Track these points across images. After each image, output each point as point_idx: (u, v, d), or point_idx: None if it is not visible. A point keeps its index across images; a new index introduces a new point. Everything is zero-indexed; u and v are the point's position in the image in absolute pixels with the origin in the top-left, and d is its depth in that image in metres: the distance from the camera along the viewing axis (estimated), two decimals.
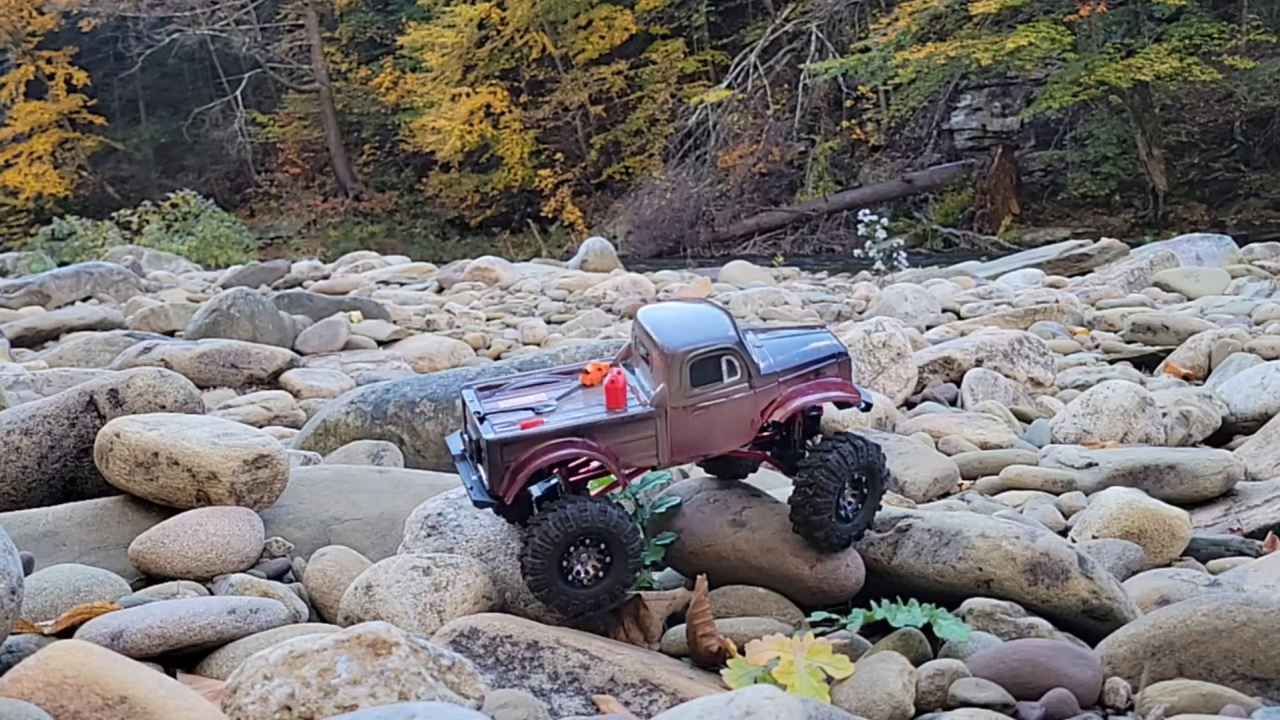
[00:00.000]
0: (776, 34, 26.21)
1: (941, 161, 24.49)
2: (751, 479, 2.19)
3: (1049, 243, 16.41)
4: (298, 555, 2.32)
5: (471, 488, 1.88)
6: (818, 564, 1.96)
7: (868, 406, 2.00)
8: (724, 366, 1.86)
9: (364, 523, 2.45)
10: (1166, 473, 3.08)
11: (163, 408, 2.68)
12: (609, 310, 9.17)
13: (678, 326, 1.88)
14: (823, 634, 1.84)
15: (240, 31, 33.23)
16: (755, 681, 1.68)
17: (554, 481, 1.87)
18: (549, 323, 8.65)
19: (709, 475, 2.19)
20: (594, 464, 1.88)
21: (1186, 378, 5.02)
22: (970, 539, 1.94)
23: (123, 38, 32.88)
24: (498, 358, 6.86)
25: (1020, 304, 7.66)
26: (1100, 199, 22.53)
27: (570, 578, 1.82)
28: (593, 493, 1.91)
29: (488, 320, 8.64)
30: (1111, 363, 5.60)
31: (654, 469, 1.91)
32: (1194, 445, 3.82)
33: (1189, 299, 8.29)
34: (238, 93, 32.48)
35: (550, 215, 28.88)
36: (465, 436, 1.97)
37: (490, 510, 1.99)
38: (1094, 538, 2.54)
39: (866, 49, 23.03)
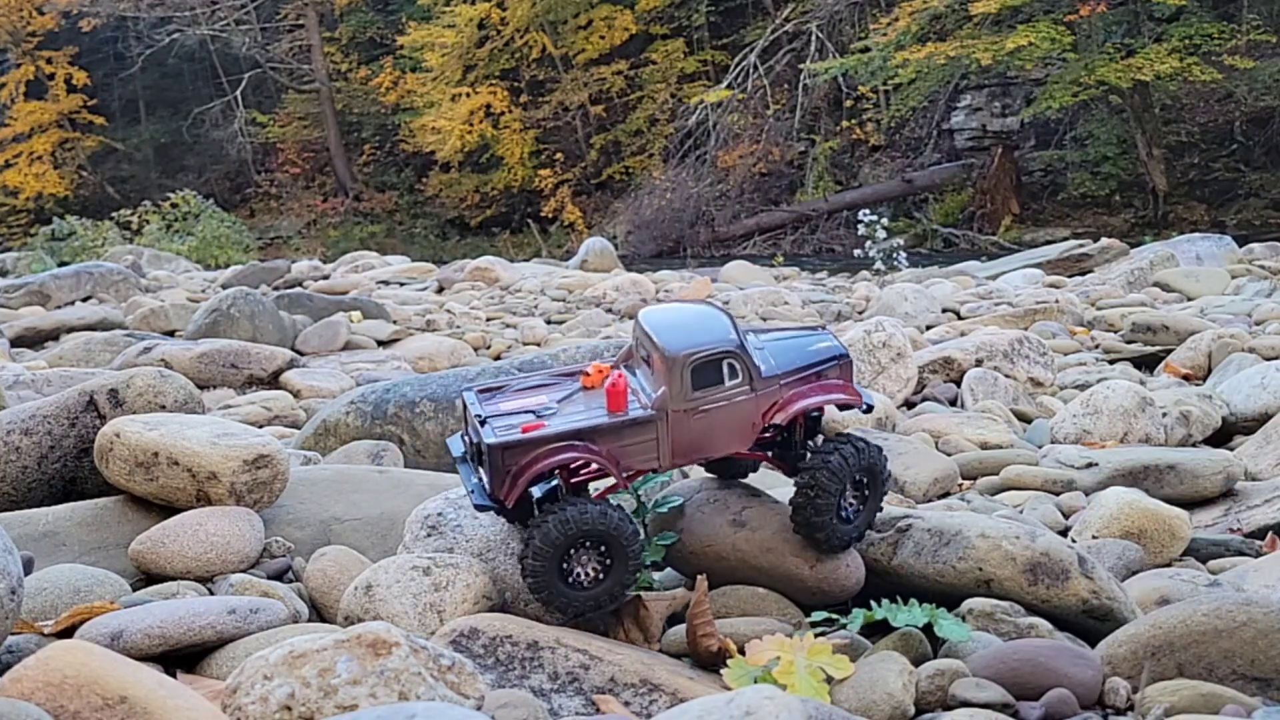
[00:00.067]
0: (776, 34, 26.22)
1: (941, 161, 24.49)
2: (752, 479, 2.19)
3: (1049, 243, 16.42)
4: (298, 555, 2.32)
5: (472, 491, 1.88)
6: (818, 564, 1.96)
7: (869, 408, 2.00)
8: (725, 369, 1.86)
9: (364, 523, 2.45)
10: (1166, 473, 3.08)
11: (163, 408, 2.68)
12: (609, 310, 9.17)
13: (679, 329, 1.88)
14: (823, 634, 1.84)
15: (240, 31, 33.24)
16: (755, 681, 1.68)
17: (555, 483, 1.87)
18: (549, 323, 8.65)
19: (709, 475, 2.19)
20: (595, 466, 1.88)
21: (1186, 378, 5.02)
22: (970, 539, 1.94)
23: (123, 38, 32.89)
24: (498, 358, 6.86)
25: (1020, 304, 7.67)
26: (1100, 199, 22.53)
27: (570, 580, 1.82)
28: (593, 495, 1.91)
29: (488, 320, 8.64)
30: (1111, 363, 5.60)
31: (655, 471, 1.91)
32: (1194, 445, 3.82)
33: (1189, 299, 8.29)
34: (238, 93, 32.49)
35: (550, 215, 28.88)
36: (466, 439, 1.97)
37: (492, 511, 1.99)
38: (1094, 538, 2.54)
39: (866, 49, 23.03)
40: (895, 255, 13.99)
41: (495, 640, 1.73)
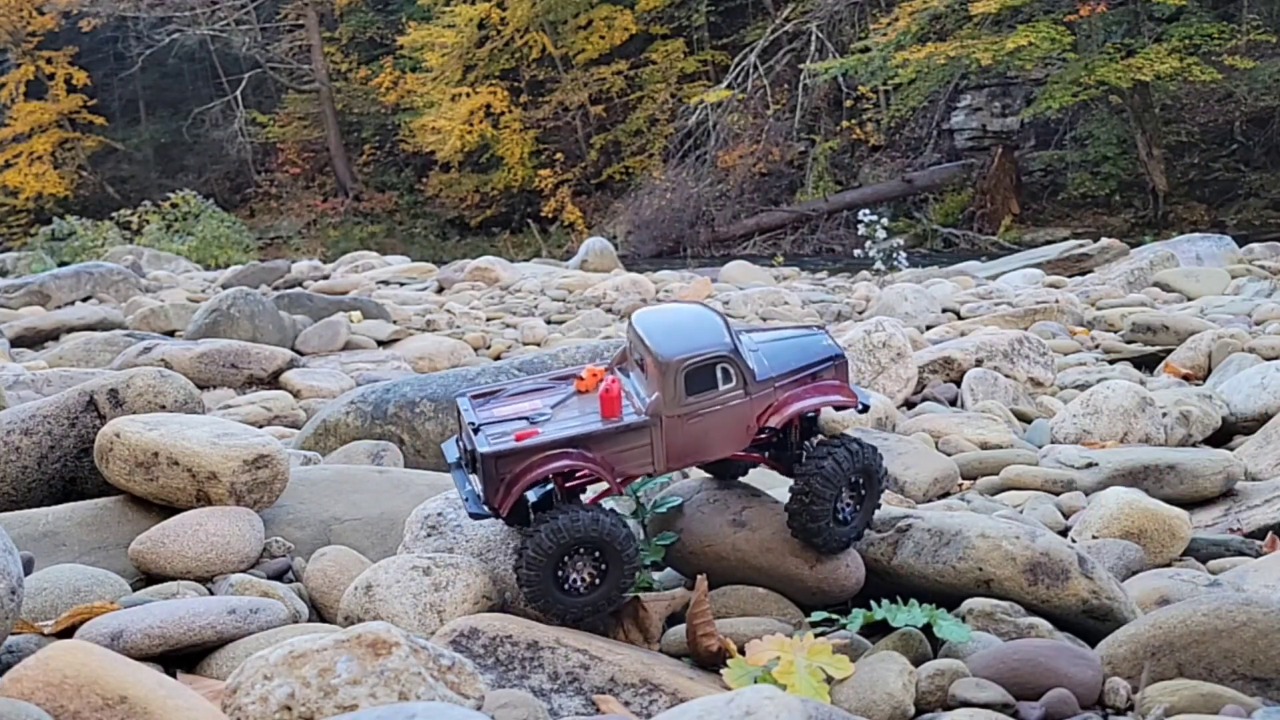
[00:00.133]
0: (776, 34, 26.22)
1: (941, 161, 24.49)
2: (752, 477, 2.19)
3: (1049, 243, 16.42)
4: (298, 555, 2.32)
5: (467, 499, 1.88)
6: (818, 564, 1.96)
7: (865, 408, 1.99)
8: (719, 374, 1.85)
9: (364, 523, 2.45)
10: (1166, 473, 3.08)
11: (163, 408, 2.68)
12: (609, 310, 9.17)
13: (672, 333, 1.87)
14: (823, 634, 1.84)
15: (240, 31, 33.24)
16: (755, 681, 1.68)
17: (549, 488, 1.87)
18: (549, 323, 8.65)
19: (708, 475, 2.19)
20: (589, 472, 1.88)
21: (1186, 378, 5.02)
22: (970, 539, 1.94)
23: (123, 38, 32.89)
24: (498, 358, 6.86)
25: (1020, 304, 7.67)
26: (1100, 199, 22.53)
27: (566, 586, 1.82)
28: (587, 499, 1.91)
29: (488, 320, 8.64)
30: (1111, 363, 5.60)
31: (650, 476, 1.91)
32: (1194, 445, 3.82)
33: (1189, 299, 8.29)
34: (238, 93, 32.49)
35: (550, 215, 28.89)
36: (460, 444, 1.97)
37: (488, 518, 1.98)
38: (1094, 538, 2.54)
39: (866, 49, 23.03)
40: (895, 255, 13.97)
41: (495, 640, 1.73)
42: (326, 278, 12.25)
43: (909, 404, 4.48)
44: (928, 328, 7.01)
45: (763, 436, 1.96)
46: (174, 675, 1.75)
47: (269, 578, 2.18)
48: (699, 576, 1.88)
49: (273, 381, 5.41)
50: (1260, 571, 2.34)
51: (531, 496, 1.88)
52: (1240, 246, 11.79)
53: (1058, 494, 3.07)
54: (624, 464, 1.84)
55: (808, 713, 1.38)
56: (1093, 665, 1.70)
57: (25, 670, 1.40)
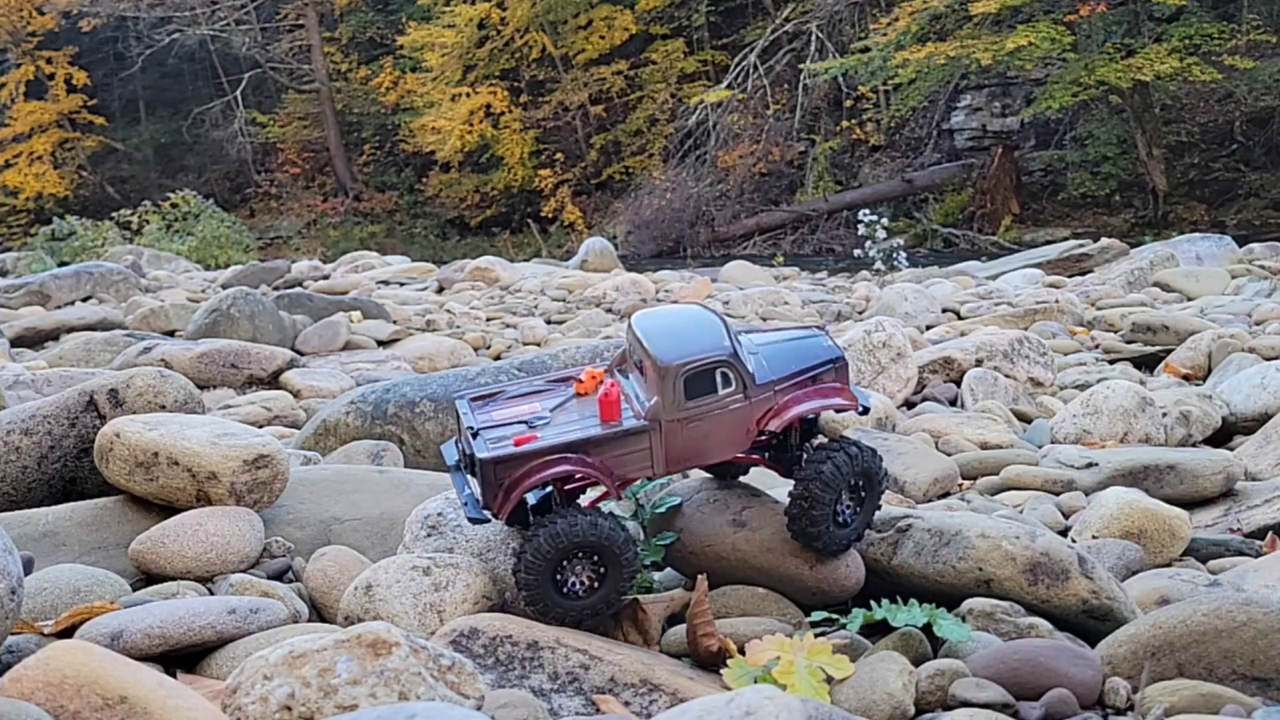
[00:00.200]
0: (776, 34, 26.22)
1: (941, 161, 24.49)
2: (753, 476, 2.18)
3: (1049, 243, 16.42)
4: (298, 555, 2.32)
5: (466, 503, 1.87)
6: (818, 564, 1.96)
7: (865, 411, 1.99)
8: (718, 378, 1.84)
9: (364, 523, 2.45)
10: (1166, 473, 3.08)
11: (163, 408, 2.68)
12: (609, 310, 9.17)
13: (671, 337, 1.86)
14: (823, 634, 1.84)
15: (240, 31, 33.24)
16: (755, 681, 1.68)
17: (549, 490, 1.86)
18: (549, 323, 8.65)
19: (708, 476, 2.19)
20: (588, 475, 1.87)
21: (1186, 378, 5.02)
22: (970, 539, 1.94)
23: (123, 38, 32.89)
24: (498, 358, 6.86)
25: (1020, 304, 7.66)
26: (1100, 199, 22.53)
27: (565, 590, 1.81)
28: (586, 502, 1.90)
29: (488, 320, 8.64)
30: (1111, 363, 5.60)
31: (649, 479, 1.90)
32: (1194, 445, 3.82)
33: (1189, 299, 8.29)
34: (238, 93, 32.49)
35: (550, 215, 28.89)
36: (460, 447, 1.96)
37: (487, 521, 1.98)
38: (1094, 538, 2.54)
39: (866, 49, 23.03)
40: (895, 255, 13.97)
41: (495, 640, 1.73)
42: (326, 278, 12.25)
43: (909, 404, 4.48)
44: (928, 328, 7.00)
45: (762, 439, 1.96)
46: (174, 675, 1.75)
47: (269, 578, 2.18)
48: (699, 576, 1.88)
49: (273, 381, 5.41)
50: (1260, 571, 2.34)
51: (531, 499, 1.88)
52: (1240, 246, 11.79)
53: (1058, 494, 3.07)
54: (623, 468, 1.84)
55: (808, 713, 1.38)
56: (1093, 665, 1.70)
57: (25, 670, 1.40)
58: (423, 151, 30.11)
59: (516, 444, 1.80)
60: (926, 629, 1.83)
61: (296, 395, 5.15)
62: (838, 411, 1.97)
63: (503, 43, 29.08)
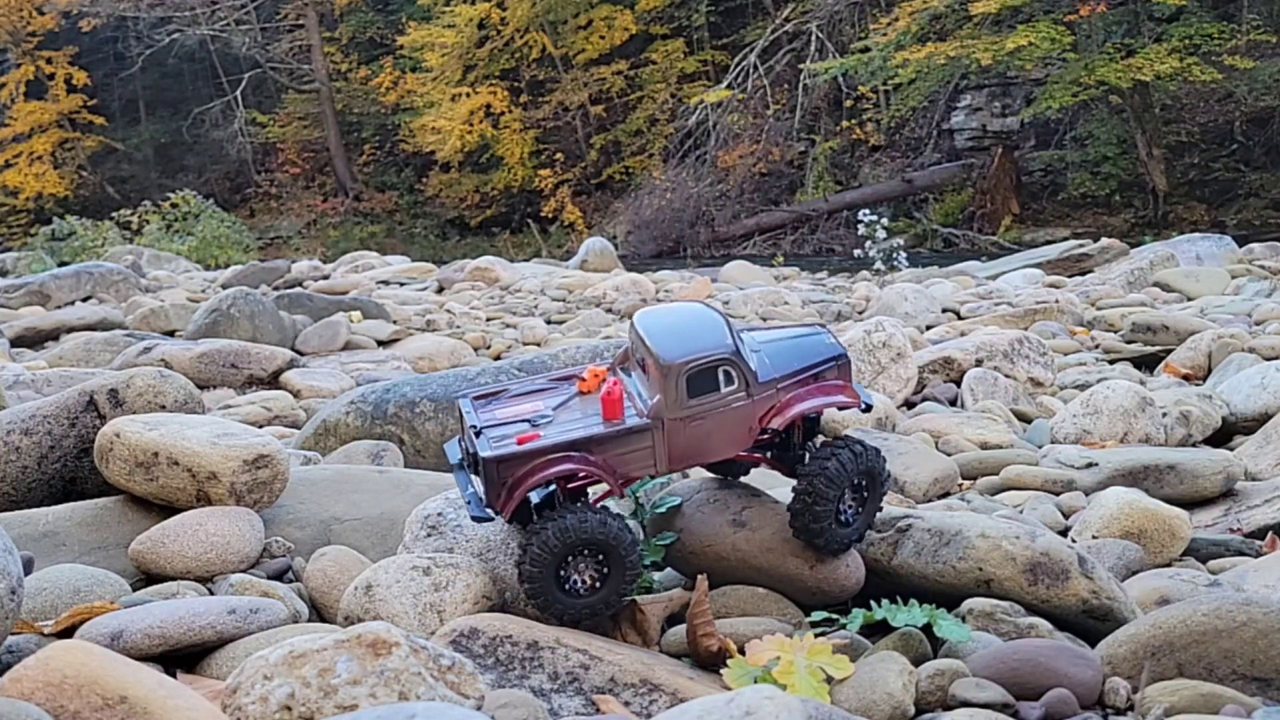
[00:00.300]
0: (776, 34, 26.23)
1: (941, 161, 24.49)
2: (753, 476, 2.18)
3: (1049, 243, 16.42)
4: (298, 555, 2.32)
5: (469, 501, 1.88)
6: (818, 564, 1.96)
7: (868, 408, 1.99)
8: (721, 376, 1.84)
9: (364, 523, 2.45)
10: (1166, 473, 3.08)
11: (163, 408, 2.68)
12: (609, 310, 9.17)
13: (674, 335, 1.86)
14: (823, 634, 1.84)
15: (240, 31, 33.24)
16: (755, 681, 1.68)
17: (552, 489, 1.86)
18: (549, 323, 8.65)
19: (708, 475, 2.19)
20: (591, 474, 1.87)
21: (1186, 378, 5.02)
22: (970, 539, 1.94)
23: (123, 38, 32.90)
24: (498, 358, 6.86)
25: (1020, 304, 7.67)
26: (1100, 199, 22.53)
27: (567, 587, 1.82)
28: (591, 500, 1.91)
29: (488, 320, 8.64)
30: (1111, 363, 5.60)
31: (652, 477, 1.91)
32: (1194, 445, 3.82)
33: (1189, 299, 8.29)
34: (238, 93, 32.49)
35: (550, 215, 28.89)
36: (463, 445, 1.96)
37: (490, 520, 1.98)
38: (1094, 538, 2.54)
39: (866, 49, 23.04)
40: (895, 255, 13.97)
41: (495, 640, 1.73)
42: (326, 278, 12.25)
43: (909, 404, 4.48)
44: (928, 328, 7.00)
45: (765, 437, 1.96)
46: (174, 675, 1.75)
47: (269, 578, 2.18)
48: (699, 576, 1.88)
49: (273, 381, 5.41)
50: (1260, 571, 2.34)
51: (534, 497, 1.88)
52: (1240, 246, 11.79)
53: (1058, 494, 3.07)
54: (626, 466, 1.84)
55: (808, 713, 1.38)
56: (1093, 665, 1.70)
57: (25, 670, 1.40)
58: (423, 151, 30.12)
59: (520, 442, 1.80)
60: (926, 629, 1.83)
61: (296, 395, 5.15)
62: (840, 409, 1.97)
63: (503, 43, 29.08)
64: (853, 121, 25.91)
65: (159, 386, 2.70)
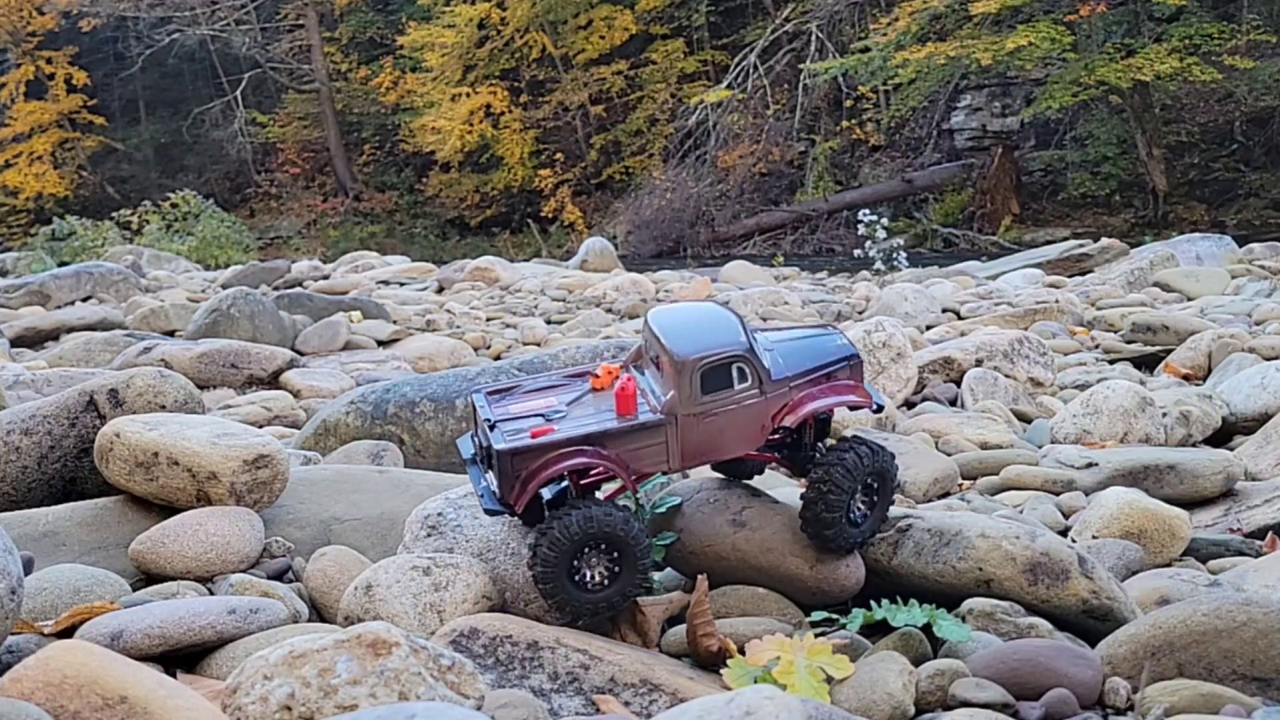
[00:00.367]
0: (776, 34, 26.23)
1: (941, 161, 24.50)
2: (754, 478, 2.19)
3: (1049, 243, 16.42)
4: (298, 555, 2.32)
5: (482, 495, 1.88)
6: (818, 564, 1.96)
7: (879, 409, 2.00)
8: (735, 373, 1.85)
9: (364, 523, 2.45)
10: (1166, 473, 3.08)
11: (163, 408, 2.68)
12: (609, 310, 9.17)
13: (688, 332, 1.87)
14: (823, 634, 1.84)
15: (240, 31, 33.25)
16: (755, 681, 1.68)
17: (564, 485, 1.87)
18: (549, 323, 8.65)
19: (711, 475, 2.19)
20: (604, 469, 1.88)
21: (1186, 378, 5.02)
22: (970, 539, 1.94)
23: (123, 38, 32.90)
24: (498, 358, 6.86)
25: (1020, 304, 7.66)
26: (1100, 199, 22.54)
27: (578, 581, 1.82)
28: (603, 496, 1.91)
29: (488, 320, 8.64)
30: (1111, 363, 5.60)
31: (664, 474, 1.91)
32: (1194, 445, 3.82)
33: (1189, 299, 8.29)
34: (238, 93, 32.50)
35: (550, 215, 28.89)
36: (476, 440, 1.97)
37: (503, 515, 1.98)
38: (1094, 538, 2.54)
39: (866, 49, 23.04)
40: (895, 255, 13.96)
41: (495, 640, 1.73)
42: (326, 278, 12.25)
43: (909, 404, 4.48)
44: (928, 328, 7.00)
45: (776, 436, 1.97)
46: (174, 675, 1.75)
47: (269, 578, 2.18)
48: (699, 576, 1.88)
49: (273, 381, 5.41)
50: (1260, 571, 2.34)
51: (546, 494, 1.88)
52: (1240, 246, 11.78)
53: (1058, 494, 3.07)
54: (639, 462, 1.85)
55: (808, 713, 1.38)
56: (1093, 665, 1.70)
57: (25, 670, 1.40)
58: (423, 151, 30.12)
59: (533, 436, 1.81)
60: (926, 629, 1.83)
61: (296, 395, 5.15)
62: (852, 409, 1.98)
63: (503, 43, 29.09)
64: (853, 121, 25.91)
65: (159, 386, 2.70)
